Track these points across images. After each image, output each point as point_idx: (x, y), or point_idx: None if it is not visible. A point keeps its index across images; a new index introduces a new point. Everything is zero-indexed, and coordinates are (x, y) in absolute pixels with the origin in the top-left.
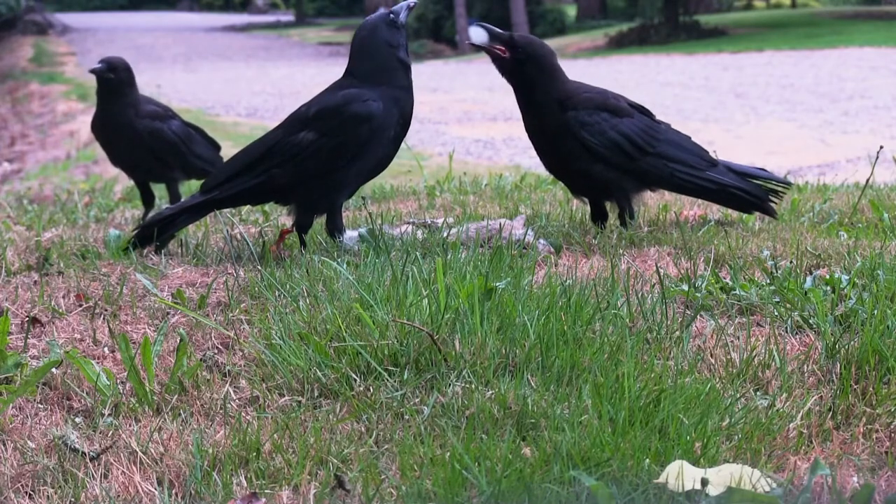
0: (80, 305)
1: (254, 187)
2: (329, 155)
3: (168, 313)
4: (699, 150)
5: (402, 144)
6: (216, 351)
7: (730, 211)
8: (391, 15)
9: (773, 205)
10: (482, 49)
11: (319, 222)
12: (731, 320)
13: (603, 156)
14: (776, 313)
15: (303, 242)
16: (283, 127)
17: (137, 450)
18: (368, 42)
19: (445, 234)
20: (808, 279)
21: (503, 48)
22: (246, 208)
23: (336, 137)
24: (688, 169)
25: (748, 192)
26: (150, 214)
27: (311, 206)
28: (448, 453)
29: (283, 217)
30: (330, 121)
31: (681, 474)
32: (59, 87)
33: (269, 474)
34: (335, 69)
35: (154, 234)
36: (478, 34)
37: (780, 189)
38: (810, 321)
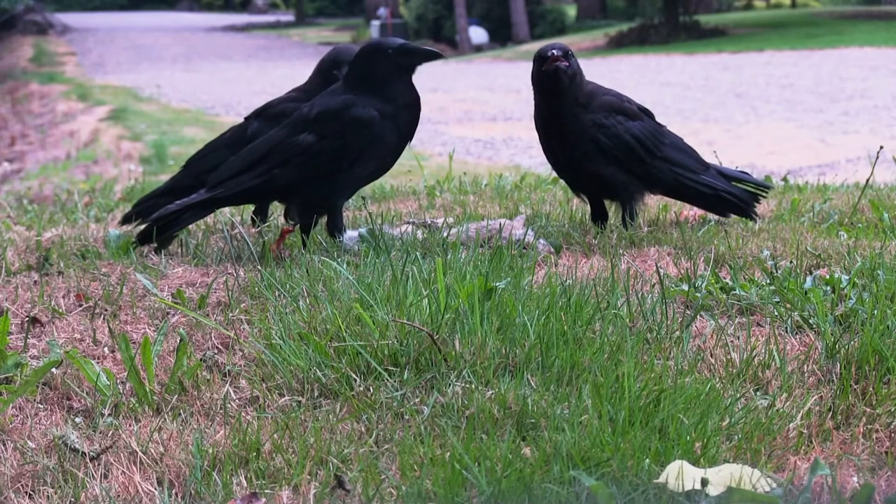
0: (80, 305)
1: (256, 187)
2: (329, 157)
3: (168, 313)
4: (695, 153)
5: None
6: (216, 351)
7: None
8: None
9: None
10: (555, 70)
11: (321, 222)
12: (731, 320)
13: (617, 158)
14: (776, 313)
15: (304, 242)
16: (285, 127)
17: (137, 450)
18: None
19: (445, 234)
20: (808, 279)
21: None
22: (247, 208)
23: (336, 140)
24: (688, 173)
25: (737, 196)
26: (157, 212)
27: (311, 206)
28: (448, 453)
29: (282, 217)
30: (331, 124)
31: (681, 474)
32: (59, 87)
33: (269, 474)
34: None
35: (153, 232)
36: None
37: (759, 192)
38: (810, 321)
